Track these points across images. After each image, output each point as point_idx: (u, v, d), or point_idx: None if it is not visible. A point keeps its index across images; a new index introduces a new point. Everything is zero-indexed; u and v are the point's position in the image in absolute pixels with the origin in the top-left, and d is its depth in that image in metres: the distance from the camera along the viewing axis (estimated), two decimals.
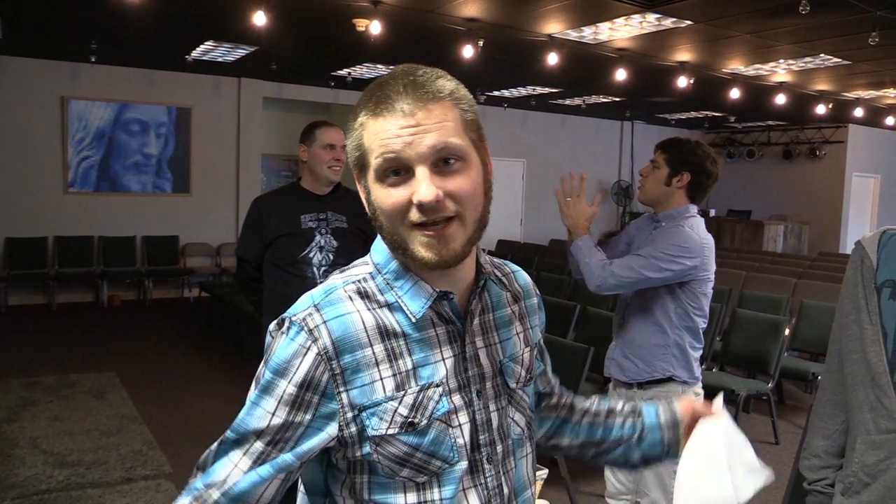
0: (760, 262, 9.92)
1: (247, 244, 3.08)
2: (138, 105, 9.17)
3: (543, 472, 3.04)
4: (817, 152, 12.80)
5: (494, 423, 1.05)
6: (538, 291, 1.24)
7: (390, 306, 1.00)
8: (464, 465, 1.01)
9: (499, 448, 1.06)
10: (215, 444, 0.98)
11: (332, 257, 2.92)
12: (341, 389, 0.95)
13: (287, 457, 0.96)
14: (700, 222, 2.63)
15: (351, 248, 2.91)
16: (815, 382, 5.14)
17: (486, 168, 1.01)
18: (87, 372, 5.90)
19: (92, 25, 6.71)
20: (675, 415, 1.26)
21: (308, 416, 0.95)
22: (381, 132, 0.93)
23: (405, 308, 0.99)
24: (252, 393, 0.98)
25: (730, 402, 4.80)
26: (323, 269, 2.90)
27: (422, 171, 0.92)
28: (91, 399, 5.25)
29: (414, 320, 0.99)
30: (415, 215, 0.93)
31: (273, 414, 0.95)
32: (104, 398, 5.28)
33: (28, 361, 6.19)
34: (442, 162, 0.93)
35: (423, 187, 0.91)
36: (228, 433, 0.98)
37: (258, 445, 0.95)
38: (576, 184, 2.61)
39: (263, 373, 0.97)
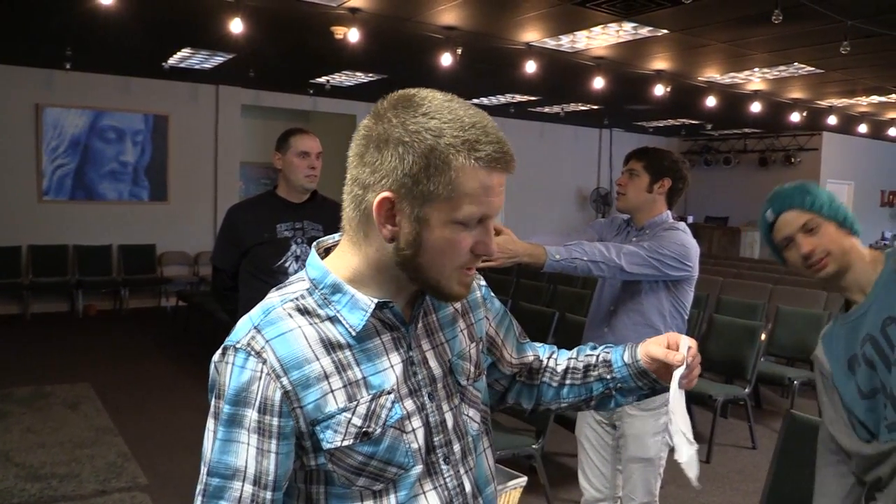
0: (738, 268, 10.02)
1: (222, 253, 3.04)
2: (114, 112, 9.09)
3: (522, 480, 3.04)
4: (792, 159, 12.98)
5: (450, 424, 1.07)
6: (482, 283, 1.25)
7: (331, 319, 1.00)
8: (419, 468, 1.02)
9: (456, 447, 1.07)
10: (198, 500, 0.96)
11: None
12: (295, 406, 0.96)
13: (272, 495, 0.96)
14: (686, 227, 2.66)
15: None
16: (792, 387, 5.19)
17: None
18: (61, 383, 5.81)
19: (67, 31, 6.65)
20: (639, 364, 1.21)
21: (274, 444, 0.95)
22: (491, 188, 0.97)
23: (344, 322, 1.00)
24: (218, 430, 0.96)
25: (707, 407, 4.84)
26: None
27: (492, 225, 1.00)
28: (65, 410, 5.16)
29: (354, 333, 1.00)
30: (470, 259, 1.00)
31: (248, 444, 0.95)
32: (78, 409, 5.20)
33: (1, 372, 6.08)
34: None
35: (492, 241, 1.01)
36: (209, 479, 0.96)
37: (247, 489, 0.94)
38: None
39: (222, 407, 0.96)
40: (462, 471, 1.07)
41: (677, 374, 1.13)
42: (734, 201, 13.91)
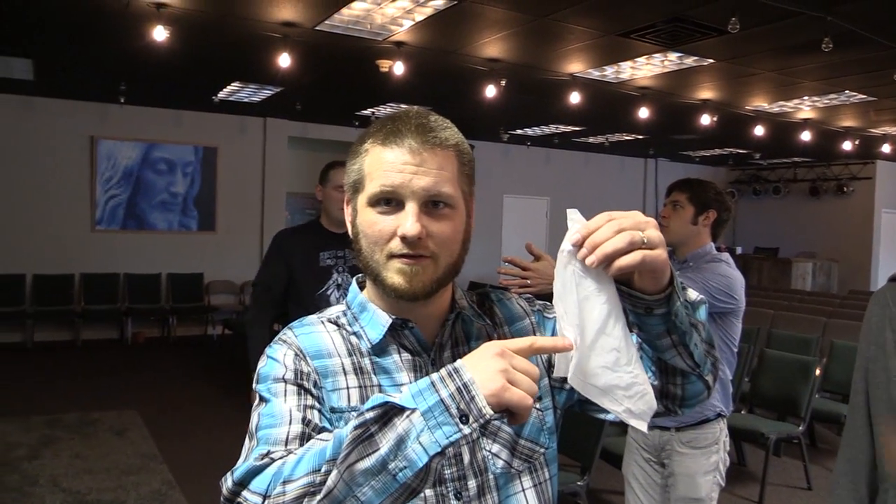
0: (789, 300, 9.76)
1: (272, 274, 3.04)
2: (166, 145, 9.34)
3: None
4: (845, 189, 12.66)
5: (466, 458, 1.03)
6: (535, 310, 1.19)
7: (356, 334, 1.06)
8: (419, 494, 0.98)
9: (471, 483, 1.02)
10: (240, 460, 0.90)
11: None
12: (320, 385, 1.00)
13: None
14: (730, 258, 2.61)
15: None
16: None
17: (469, 220, 1.06)
18: (108, 409, 5.91)
19: (121, 67, 6.87)
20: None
21: (317, 403, 0.97)
22: (385, 162, 0.99)
23: (365, 336, 1.05)
24: (256, 414, 0.96)
25: (760, 445, 4.68)
26: None
27: (411, 207, 0.97)
28: (112, 437, 5.24)
29: (371, 345, 1.04)
30: (396, 246, 0.98)
31: (288, 404, 0.95)
32: (125, 436, 5.27)
33: (51, 398, 6.22)
34: (431, 204, 0.99)
35: (410, 222, 0.96)
36: (258, 447, 0.90)
37: (295, 428, 0.92)
38: (516, 270, 2.11)
39: (259, 390, 1.00)
40: None
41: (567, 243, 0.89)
42: (784, 231, 13.61)
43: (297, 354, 1.01)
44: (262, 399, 0.98)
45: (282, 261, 3.00)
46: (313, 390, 0.98)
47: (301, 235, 3.12)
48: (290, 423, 0.93)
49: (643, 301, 0.92)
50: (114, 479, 4.42)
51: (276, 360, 1.01)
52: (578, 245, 0.88)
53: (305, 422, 0.93)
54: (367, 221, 1.00)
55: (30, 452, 4.82)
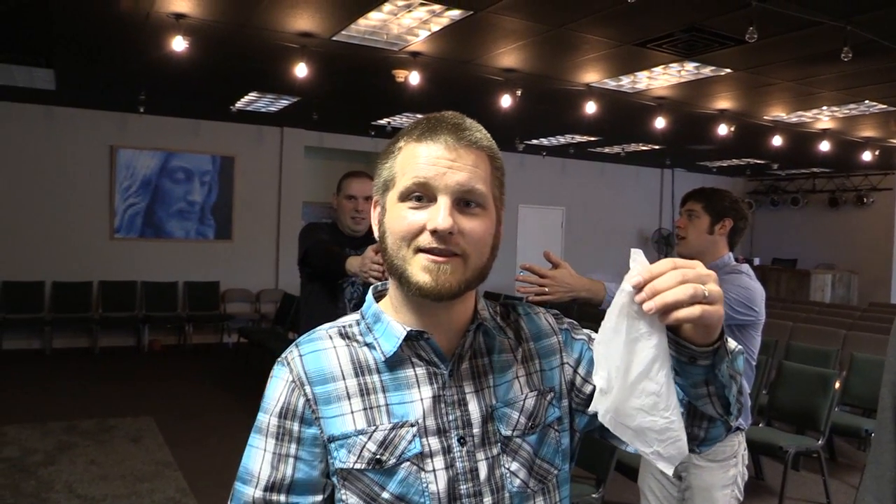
0: (808, 312, 9.66)
1: (319, 238, 3.09)
2: (184, 154, 9.42)
3: None
4: (865, 200, 12.53)
5: (483, 474, 1.00)
6: (563, 328, 1.15)
7: (368, 346, 1.03)
8: None
9: (487, 500, 1.00)
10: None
11: (363, 290, 2.98)
12: (318, 416, 0.98)
13: (286, 498, 0.98)
14: (750, 270, 2.58)
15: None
16: (869, 440, 4.91)
17: (499, 226, 1.05)
18: (124, 416, 5.94)
19: (141, 77, 6.94)
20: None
21: (293, 447, 0.98)
22: (419, 156, 0.98)
23: (379, 348, 1.02)
24: (250, 438, 1.02)
25: (778, 459, 4.62)
26: (353, 303, 2.96)
27: (444, 201, 0.96)
28: (128, 444, 5.26)
29: (385, 359, 1.01)
30: (425, 240, 0.96)
31: (265, 450, 0.99)
32: (140, 443, 5.29)
33: (68, 404, 6.26)
34: (463, 202, 0.98)
35: (442, 215, 0.95)
36: (235, 484, 1.01)
37: (257, 494, 0.97)
38: (534, 277, 2.15)
39: (258, 419, 1.02)
40: None
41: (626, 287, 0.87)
42: (803, 243, 13.48)
43: (294, 381, 0.99)
44: (253, 428, 1.01)
45: (319, 233, 3.14)
46: (297, 428, 0.98)
47: (326, 229, 3.25)
48: (255, 487, 0.98)
49: (689, 350, 0.90)
50: (129, 486, 4.44)
51: (275, 388, 1.01)
52: (639, 288, 0.85)
53: (270, 485, 0.97)
54: (395, 217, 0.98)
55: (46, 458, 4.85)
